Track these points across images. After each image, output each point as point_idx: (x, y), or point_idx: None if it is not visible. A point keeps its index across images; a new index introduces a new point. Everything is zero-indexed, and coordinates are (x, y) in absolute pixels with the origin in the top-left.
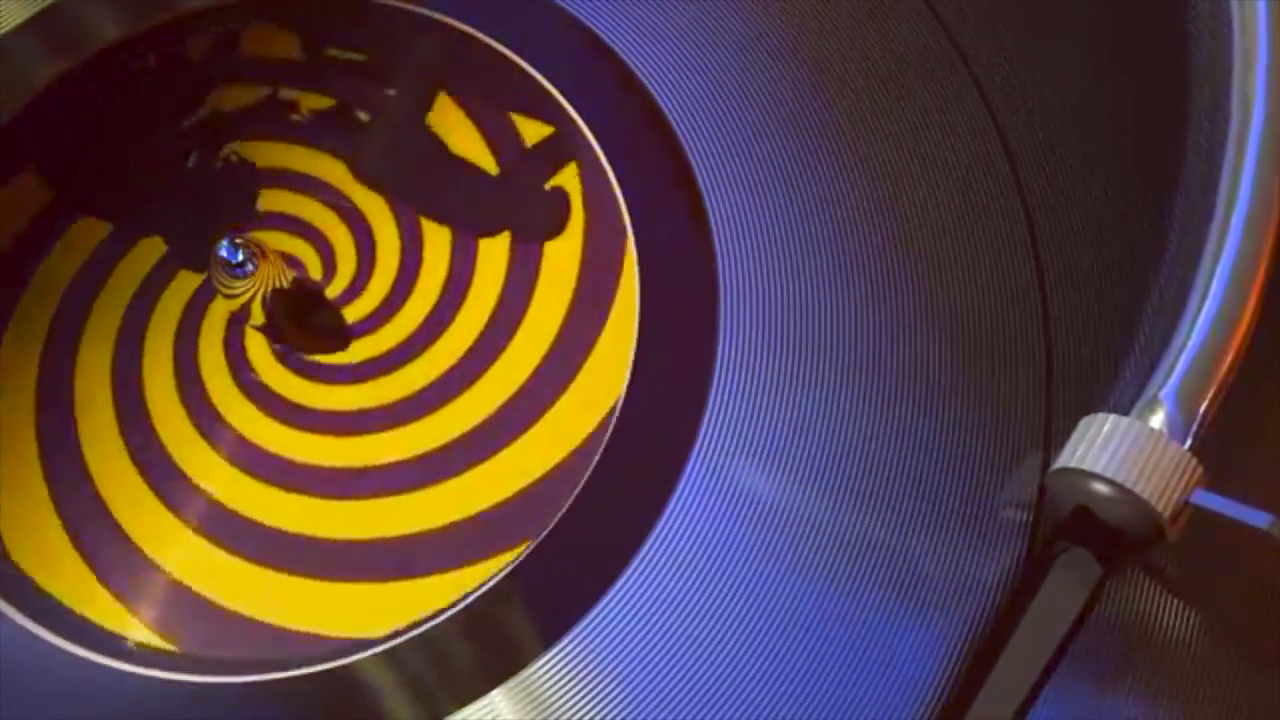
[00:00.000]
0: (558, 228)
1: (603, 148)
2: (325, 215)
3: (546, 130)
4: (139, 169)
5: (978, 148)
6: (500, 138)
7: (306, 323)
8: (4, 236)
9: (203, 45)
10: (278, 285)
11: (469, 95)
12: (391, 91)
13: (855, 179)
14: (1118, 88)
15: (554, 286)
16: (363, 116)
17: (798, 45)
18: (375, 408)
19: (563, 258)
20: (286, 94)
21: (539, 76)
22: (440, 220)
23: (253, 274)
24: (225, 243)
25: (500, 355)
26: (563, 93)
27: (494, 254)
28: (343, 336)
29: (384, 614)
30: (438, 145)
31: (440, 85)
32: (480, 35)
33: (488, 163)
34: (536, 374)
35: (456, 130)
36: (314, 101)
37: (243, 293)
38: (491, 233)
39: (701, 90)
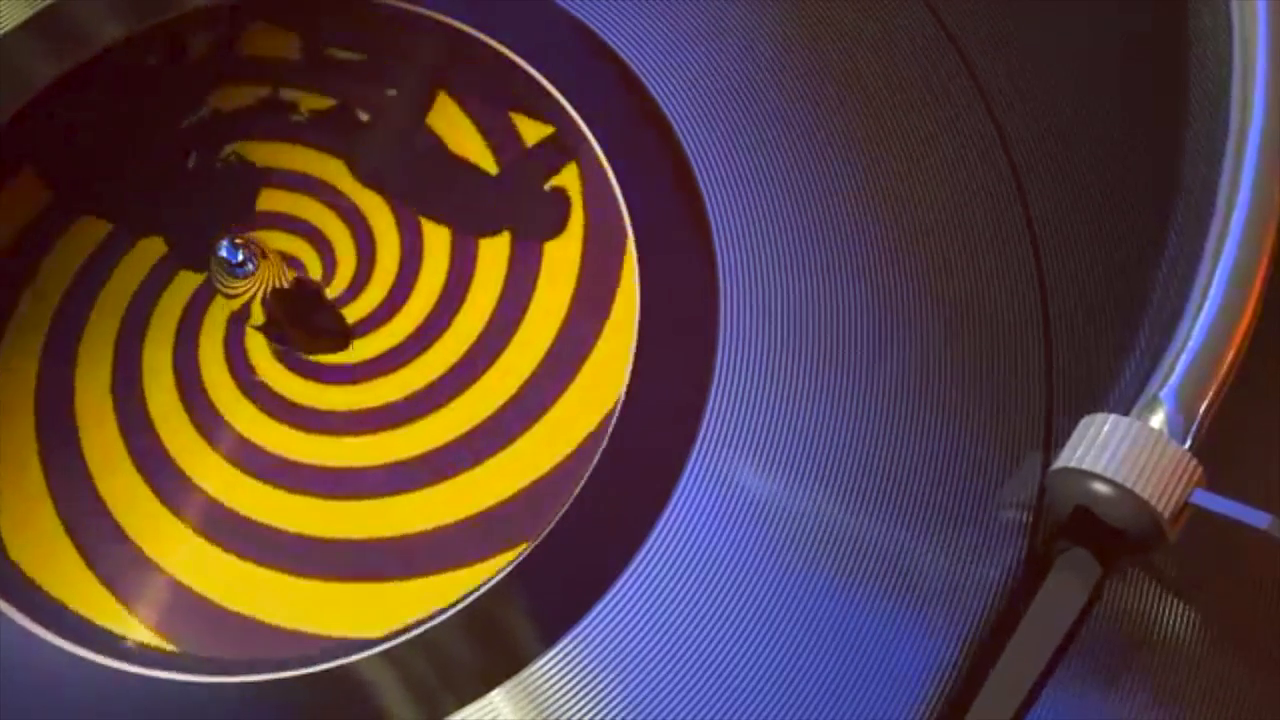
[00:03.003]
0: (558, 228)
1: (603, 148)
2: (325, 215)
3: (546, 130)
4: (139, 168)
5: (978, 148)
6: (500, 137)
7: (307, 323)
8: (4, 236)
9: (202, 44)
10: (278, 285)
11: (469, 95)
12: (392, 92)
13: (855, 179)
14: (1118, 88)
15: (554, 287)
16: (363, 116)
17: (798, 46)
18: (375, 408)
19: (562, 258)
20: (287, 94)
21: (539, 77)
22: (440, 220)
23: (253, 274)
24: (225, 243)
25: (500, 355)
26: (563, 93)
27: (494, 254)
28: (343, 336)
29: (383, 613)
30: (438, 145)
31: (440, 86)
32: (480, 35)
33: (487, 163)
34: (536, 374)
35: (456, 130)
36: (314, 102)
37: (243, 293)
38: (492, 232)
39: (701, 90)
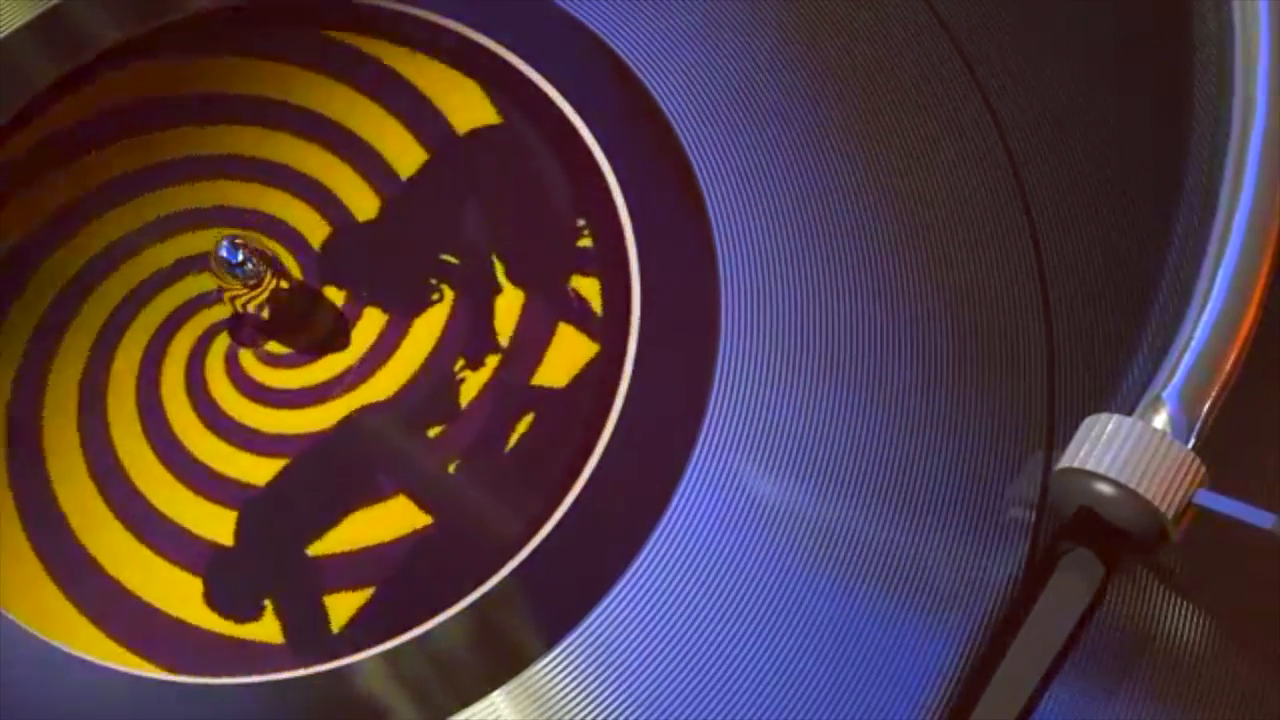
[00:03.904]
0: None
1: (602, 147)
2: None
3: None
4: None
5: (979, 148)
6: None
7: (306, 322)
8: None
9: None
10: (278, 285)
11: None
12: None
13: (854, 174)
14: (1120, 88)
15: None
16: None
17: (795, 41)
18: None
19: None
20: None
21: (538, 77)
22: None
23: (252, 274)
24: (225, 243)
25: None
26: (562, 92)
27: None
28: (342, 336)
29: None
30: None
31: None
32: (480, 36)
33: None
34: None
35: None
36: None
37: (243, 292)
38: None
39: (700, 88)
